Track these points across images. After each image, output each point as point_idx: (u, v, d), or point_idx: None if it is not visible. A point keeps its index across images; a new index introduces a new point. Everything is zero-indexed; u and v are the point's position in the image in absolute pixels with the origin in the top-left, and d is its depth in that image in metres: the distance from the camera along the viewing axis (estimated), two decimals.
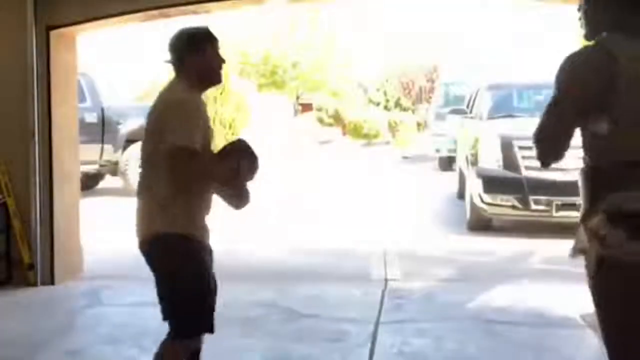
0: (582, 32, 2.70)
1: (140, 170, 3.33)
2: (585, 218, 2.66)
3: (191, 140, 3.05)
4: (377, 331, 5.27)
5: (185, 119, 3.09)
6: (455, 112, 12.14)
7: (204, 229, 3.34)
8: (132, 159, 13.55)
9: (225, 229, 10.17)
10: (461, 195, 11.23)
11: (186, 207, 3.20)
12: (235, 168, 3.18)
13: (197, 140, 3.09)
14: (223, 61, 3.33)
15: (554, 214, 8.88)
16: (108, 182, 14.65)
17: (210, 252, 3.41)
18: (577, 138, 2.68)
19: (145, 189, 3.25)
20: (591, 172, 2.64)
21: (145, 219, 3.26)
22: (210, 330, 3.34)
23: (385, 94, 37.46)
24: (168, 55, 3.34)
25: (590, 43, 2.59)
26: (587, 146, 2.67)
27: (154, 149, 3.15)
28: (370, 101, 37.42)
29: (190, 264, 3.25)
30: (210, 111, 20.96)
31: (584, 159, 2.70)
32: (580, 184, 2.69)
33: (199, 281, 3.26)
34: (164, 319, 3.29)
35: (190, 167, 3.08)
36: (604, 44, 2.52)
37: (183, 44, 3.28)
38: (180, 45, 3.29)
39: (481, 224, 9.43)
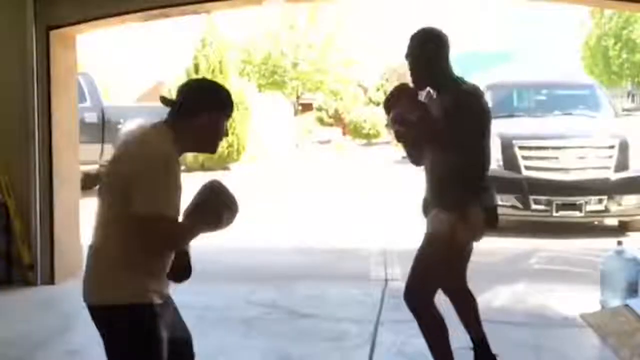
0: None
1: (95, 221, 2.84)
2: None
3: (167, 206, 2.66)
4: (377, 331, 5.27)
5: (165, 179, 2.66)
6: None
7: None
8: None
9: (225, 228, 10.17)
10: None
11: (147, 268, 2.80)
12: (214, 222, 2.81)
13: (172, 206, 2.70)
14: (226, 134, 2.95)
15: (554, 213, 8.87)
16: None
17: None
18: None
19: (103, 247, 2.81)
20: None
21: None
22: None
23: (385, 94, 37.44)
24: (172, 97, 2.88)
25: None
26: None
27: (119, 209, 2.68)
28: (370, 101, 37.42)
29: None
30: None
31: None
32: None
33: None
34: None
35: (162, 237, 2.70)
36: None
37: (204, 98, 2.81)
38: (199, 98, 2.81)
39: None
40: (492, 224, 3.92)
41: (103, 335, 2.85)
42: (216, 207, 2.79)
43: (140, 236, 2.64)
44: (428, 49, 3.83)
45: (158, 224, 2.62)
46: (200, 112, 2.78)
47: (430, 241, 3.86)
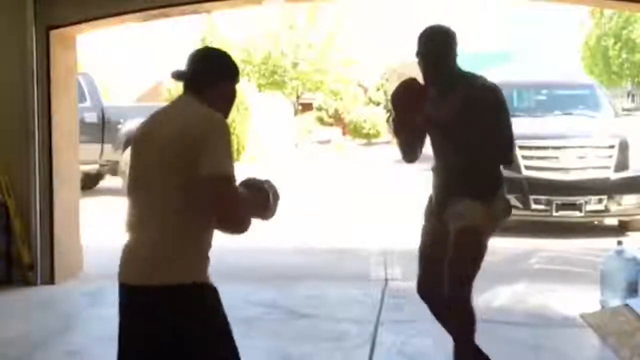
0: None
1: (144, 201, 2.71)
2: None
3: (233, 168, 2.59)
4: (377, 331, 5.27)
5: (229, 143, 2.62)
6: None
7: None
8: None
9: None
10: None
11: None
12: (265, 203, 2.84)
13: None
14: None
15: (554, 213, 8.87)
16: (108, 182, 14.65)
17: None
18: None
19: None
20: None
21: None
22: None
23: (385, 93, 37.44)
24: (186, 71, 2.84)
25: None
26: None
27: (182, 177, 2.59)
28: (370, 101, 37.42)
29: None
30: None
31: None
32: None
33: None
34: None
35: (233, 199, 2.61)
36: None
37: (221, 67, 2.84)
38: (217, 68, 2.83)
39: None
40: (509, 213, 4.05)
41: (162, 319, 2.61)
42: (267, 195, 2.84)
43: (213, 200, 2.56)
44: (440, 45, 3.92)
45: (230, 184, 2.57)
46: (220, 80, 2.81)
47: (469, 232, 3.80)
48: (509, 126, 3.88)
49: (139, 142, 2.77)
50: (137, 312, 2.66)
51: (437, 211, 3.99)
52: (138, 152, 2.75)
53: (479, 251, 3.86)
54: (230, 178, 2.57)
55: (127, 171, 2.83)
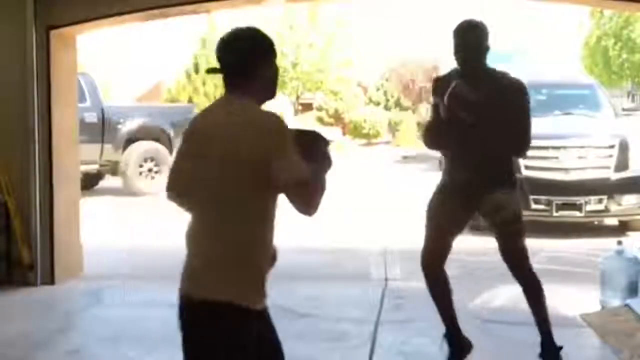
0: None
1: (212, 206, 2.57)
2: None
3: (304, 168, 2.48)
4: (377, 331, 5.27)
5: (291, 142, 2.50)
6: None
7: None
8: (132, 158, 13.57)
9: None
10: None
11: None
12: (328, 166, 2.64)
13: None
14: None
15: (554, 213, 8.88)
16: (108, 182, 14.65)
17: None
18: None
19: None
20: None
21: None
22: None
23: (385, 93, 37.43)
24: (224, 61, 2.64)
25: None
26: None
27: (252, 183, 2.48)
28: (370, 101, 37.40)
29: None
30: None
31: None
32: None
33: None
34: None
35: (319, 193, 2.52)
36: None
37: (257, 49, 2.62)
38: (254, 51, 2.61)
39: (481, 224, 9.41)
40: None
41: (201, 334, 2.52)
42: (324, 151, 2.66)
43: (298, 200, 2.48)
44: (480, 37, 4.24)
45: (308, 184, 2.47)
46: (258, 69, 2.62)
47: (520, 217, 4.42)
48: (530, 120, 4.38)
49: (196, 145, 2.60)
50: (196, 325, 2.55)
51: (463, 200, 4.30)
52: (196, 156, 2.59)
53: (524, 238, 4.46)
54: (307, 179, 2.47)
55: (176, 176, 2.65)
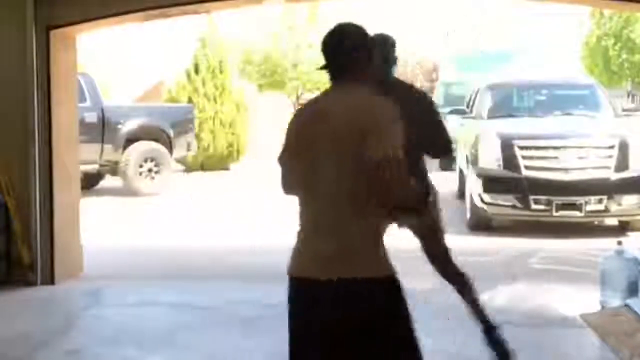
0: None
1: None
2: None
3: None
4: None
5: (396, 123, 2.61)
6: (455, 112, 12.12)
7: None
8: (132, 158, 13.57)
9: (225, 228, 10.19)
10: (461, 194, 11.22)
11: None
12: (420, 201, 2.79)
13: None
14: None
15: (554, 213, 8.87)
16: (108, 182, 14.65)
17: None
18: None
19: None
20: None
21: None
22: None
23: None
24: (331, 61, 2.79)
25: None
26: None
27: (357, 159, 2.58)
28: None
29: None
30: (210, 111, 20.83)
31: None
32: None
33: None
34: None
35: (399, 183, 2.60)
36: None
37: (369, 42, 2.79)
38: (367, 44, 2.78)
39: (481, 224, 9.42)
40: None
41: (356, 312, 2.60)
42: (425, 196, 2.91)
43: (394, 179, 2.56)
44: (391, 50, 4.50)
45: (401, 165, 2.59)
46: (369, 62, 2.78)
47: (439, 221, 4.61)
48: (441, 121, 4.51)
49: (305, 137, 2.71)
50: (327, 304, 2.61)
51: None
52: (308, 147, 2.69)
53: None
54: (401, 160, 2.57)
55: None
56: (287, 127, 2.83)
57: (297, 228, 2.79)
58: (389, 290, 2.68)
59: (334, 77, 2.77)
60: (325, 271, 2.60)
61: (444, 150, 4.58)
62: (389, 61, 4.40)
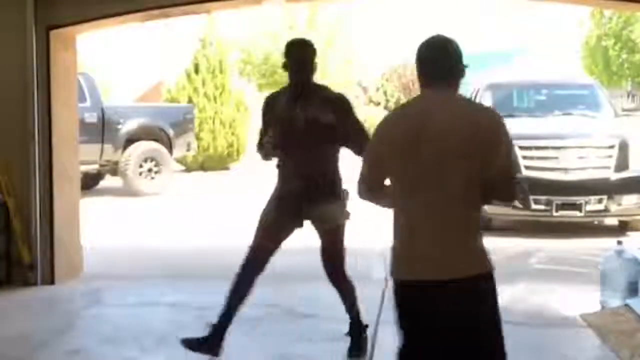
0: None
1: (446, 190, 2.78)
2: None
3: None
4: (377, 331, 5.27)
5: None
6: None
7: None
8: (132, 158, 13.57)
9: (225, 228, 10.19)
10: None
11: None
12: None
13: None
14: None
15: (554, 213, 8.87)
16: (108, 182, 14.65)
17: None
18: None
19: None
20: None
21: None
22: None
23: (385, 94, 37.44)
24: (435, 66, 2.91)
25: None
26: None
27: (478, 171, 2.75)
28: (370, 101, 37.40)
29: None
30: (210, 111, 20.83)
31: None
32: None
33: None
34: None
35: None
36: None
37: (460, 55, 2.96)
38: (460, 60, 2.95)
39: (481, 224, 9.41)
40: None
41: (464, 309, 2.79)
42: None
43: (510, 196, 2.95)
44: (312, 55, 4.63)
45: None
46: (464, 69, 2.96)
47: (342, 226, 5.19)
48: (360, 123, 4.67)
49: (410, 142, 2.78)
50: (437, 305, 2.74)
51: (292, 209, 4.68)
52: (414, 150, 2.76)
53: None
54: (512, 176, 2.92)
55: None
56: (380, 131, 2.92)
57: (393, 232, 2.88)
58: (492, 283, 2.94)
59: (427, 84, 2.88)
60: (438, 272, 2.73)
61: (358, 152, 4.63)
62: (312, 65, 4.65)
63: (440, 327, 2.76)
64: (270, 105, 4.76)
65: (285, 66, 4.51)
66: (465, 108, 2.89)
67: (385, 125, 2.92)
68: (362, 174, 2.99)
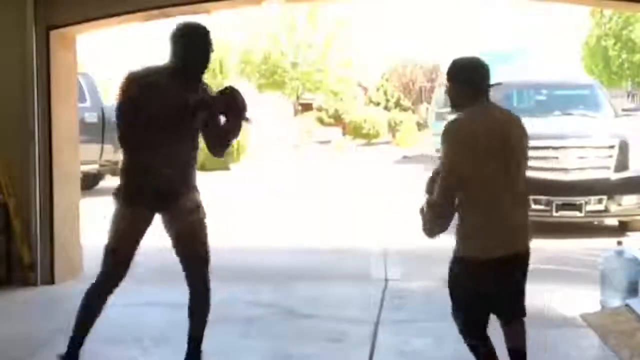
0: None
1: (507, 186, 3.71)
2: None
3: None
4: (377, 331, 5.27)
5: None
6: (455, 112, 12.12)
7: None
8: None
9: (225, 227, 10.20)
10: None
11: None
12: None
13: None
14: None
15: (554, 213, 8.87)
16: (108, 182, 14.65)
17: None
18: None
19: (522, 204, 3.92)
20: None
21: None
22: None
23: (385, 93, 37.46)
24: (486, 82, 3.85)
25: None
26: None
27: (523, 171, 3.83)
28: (370, 101, 37.42)
29: None
30: None
31: None
32: None
33: None
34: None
35: None
36: None
37: None
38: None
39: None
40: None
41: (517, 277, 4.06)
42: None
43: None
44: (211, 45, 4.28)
45: None
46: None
47: (205, 224, 4.41)
48: (219, 121, 4.26)
49: (486, 148, 3.57)
50: (503, 274, 3.84)
51: (151, 206, 4.23)
52: (491, 155, 3.58)
53: None
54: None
55: (463, 175, 3.54)
56: (455, 141, 3.61)
57: (464, 221, 3.67)
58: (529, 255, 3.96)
59: (475, 98, 3.72)
60: (511, 248, 3.81)
61: (214, 150, 4.48)
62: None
63: (500, 288, 3.88)
64: None
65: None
66: (510, 116, 3.87)
67: (460, 137, 3.61)
68: (445, 184, 3.62)
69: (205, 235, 4.25)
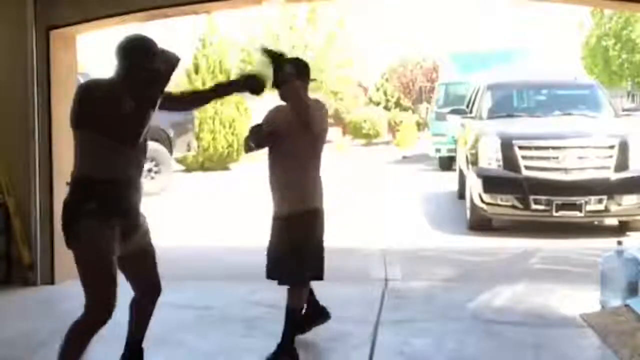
0: None
1: None
2: None
3: None
4: (377, 331, 5.27)
5: None
6: (455, 112, 12.12)
7: None
8: None
9: (225, 227, 10.18)
10: (461, 195, 11.23)
11: None
12: None
13: None
14: None
15: (554, 213, 8.87)
16: None
17: None
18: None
19: None
20: None
21: None
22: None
23: (385, 93, 37.44)
24: None
25: None
26: None
27: None
28: (370, 101, 37.40)
29: None
30: (210, 111, 20.76)
31: None
32: None
33: None
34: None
35: None
36: None
37: None
38: None
39: (481, 224, 9.42)
40: None
41: None
42: None
43: None
44: None
45: None
46: None
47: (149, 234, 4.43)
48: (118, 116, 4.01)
49: None
50: None
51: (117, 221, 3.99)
52: None
53: None
54: None
55: None
56: None
57: None
58: None
59: None
60: None
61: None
62: None
63: None
64: None
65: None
66: None
67: None
68: None
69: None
